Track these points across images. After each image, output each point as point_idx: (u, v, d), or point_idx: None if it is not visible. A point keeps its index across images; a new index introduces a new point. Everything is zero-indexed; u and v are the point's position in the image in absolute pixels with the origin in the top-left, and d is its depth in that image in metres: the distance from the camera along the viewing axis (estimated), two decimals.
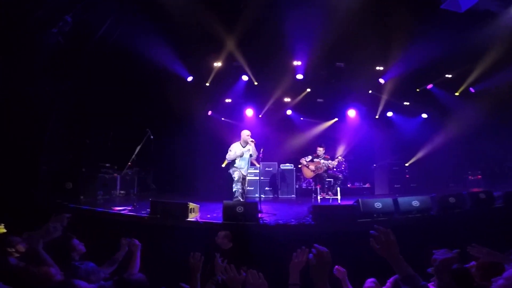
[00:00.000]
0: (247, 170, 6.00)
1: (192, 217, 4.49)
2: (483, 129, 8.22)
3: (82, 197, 5.29)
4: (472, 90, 8.86)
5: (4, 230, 2.27)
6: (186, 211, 4.34)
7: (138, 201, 5.35)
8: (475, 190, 5.44)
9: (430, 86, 9.26)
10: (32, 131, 5.26)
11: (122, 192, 6.63)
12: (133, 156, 5.36)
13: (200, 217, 4.68)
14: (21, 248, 2.27)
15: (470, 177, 8.37)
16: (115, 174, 6.52)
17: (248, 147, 5.83)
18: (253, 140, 5.77)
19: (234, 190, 5.72)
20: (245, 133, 5.85)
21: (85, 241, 2.51)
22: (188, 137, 8.59)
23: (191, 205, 4.50)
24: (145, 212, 4.58)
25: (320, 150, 6.72)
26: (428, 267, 2.01)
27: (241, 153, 5.76)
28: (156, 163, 7.82)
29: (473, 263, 2.00)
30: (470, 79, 8.46)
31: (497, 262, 1.86)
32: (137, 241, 2.59)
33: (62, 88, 5.81)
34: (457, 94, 9.05)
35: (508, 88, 7.51)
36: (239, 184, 5.68)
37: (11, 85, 5.10)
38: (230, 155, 5.80)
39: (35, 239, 1.96)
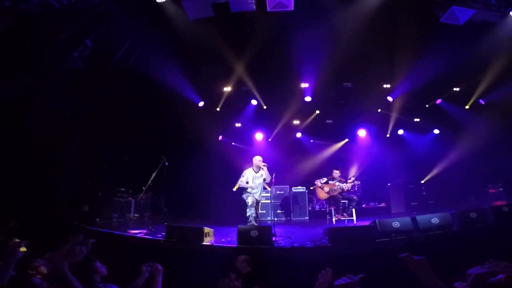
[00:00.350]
0: (260, 195, 6.00)
1: (207, 241, 4.48)
2: (500, 139, 7.98)
3: (98, 219, 5.43)
4: (482, 102, 8.74)
5: (25, 249, 2.35)
6: (201, 235, 4.35)
7: (152, 225, 5.40)
8: (498, 203, 5.21)
9: (439, 101, 9.20)
10: (52, 153, 5.47)
11: (136, 215, 6.72)
12: (149, 182, 5.48)
13: (215, 241, 4.66)
14: (43, 270, 2.31)
15: (491, 190, 7.99)
16: (130, 198, 6.65)
17: (261, 172, 5.89)
18: (266, 164, 5.82)
19: (248, 214, 5.69)
20: (257, 159, 5.93)
21: (103, 264, 2.54)
22: (200, 161, 8.69)
23: (206, 229, 4.52)
24: (160, 236, 4.61)
25: (336, 173, 6.72)
26: (453, 283, 1.95)
27: (255, 185, 5.80)
28: (169, 187, 7.91)
29: (501, 276, 1.92)
30: (479, 91, 8.34)
31: None
32: (159, 266, 2.59)
33: (82, 112, 6.07)
34: (467, 107, 8.93)
35: None
36: (253, 208, 5.68)
37: (34, 108, 5.39)
38: (242, 181, 5.85)
39: (60, 260, 2.01)
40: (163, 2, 5.64)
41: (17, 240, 1.97)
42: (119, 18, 5.92)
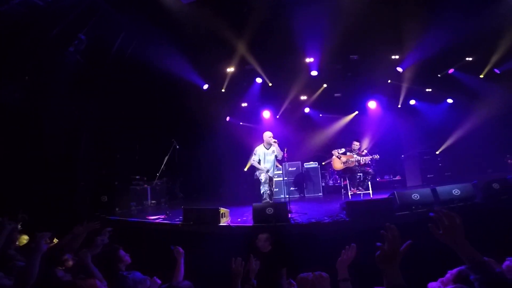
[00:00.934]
0: (273, 171, 5.90)
1: (223, 221, 4.50)
2: None
3: (117, 209, 5.52)
4: (497, 71, 8.34)
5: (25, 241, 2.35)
6: (217, 216, 4.35)
7: (169, 210, 5.46)
8: None
9: (451, 70, 8.82)
10: (66, 150, 5.53)
11: (153, 202, 6.85)
12: (162, 166, 5.48)
13: (231, 221, 4.68)
14: (70, 263, 2.34)
15: (509, 160, 7.76)
16: (145, 185, 6.74)
17: (272, 148, 5.74)
18: (276, 140, 5.69)
19: (262, 192, 5.64)
20: (267, 135, 5.74)
21: (126, 252, 2.55)
22: (210, 144, 8.67)
23: (222, 210, 4.52)
24: (178, 220, 4.64)
25: (356, 145, 6.57)
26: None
27: (267, 165, 5.70)
28: (182, 172, 7.96)
29: None
30: (493, 60, 8.00)
31: None
32: (181, 249, 2.59)
33: (89, 106, 6.07)
34: (481, 76, 8.53)
35: None
36: (267, 185, 5.60)
37: (41, 107, 5.39)
38: (254, 159, 5.74)
39: (84, 253, 2.03)
40: None
41: (41, 233, 1.93)
42: (110, 9, 5.76)
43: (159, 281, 2.33)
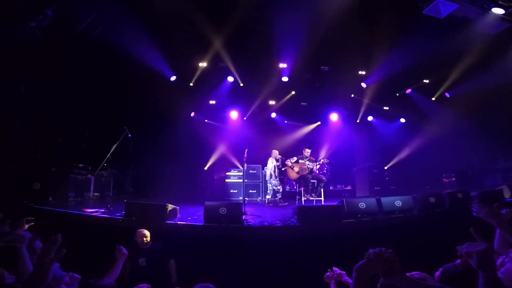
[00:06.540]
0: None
1: (171, 219, 4.30)
2: (457, 133, 8.58)
3: (50, 198, 4.98)
4: (447, 95, 9.23)
5: None
6: (164, 212, 4.14)
7: (114, 204, 5.07)
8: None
9: (409, 90, 9.56)
10: None
11: (96, 194, 6.30)
12: (108, 155, 5.02)
13: (180, 219, 4.49)
14: None
15: (444, 179, 8.68)
16: (89, 175, 6.18)
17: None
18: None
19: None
20: (276, 152, 7.32)
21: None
22: (170, 138, 8.31)
23: (170, 206, 4.32)
24: (119, 215, 4.33)
25: (307, 152, 6.74)
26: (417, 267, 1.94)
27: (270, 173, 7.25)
28: (135, 165, 7.48)
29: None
30: (446, 84, 8.76)
31: None
32: (124, 249, 2.38)
33: (36, 84, 5.44)
34: (433, 99, 9.39)
35: (479, 94, 7.86)
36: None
37: None
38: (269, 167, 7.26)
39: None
40: None
41: None
42: None
43: (78, 276, 2.11)
